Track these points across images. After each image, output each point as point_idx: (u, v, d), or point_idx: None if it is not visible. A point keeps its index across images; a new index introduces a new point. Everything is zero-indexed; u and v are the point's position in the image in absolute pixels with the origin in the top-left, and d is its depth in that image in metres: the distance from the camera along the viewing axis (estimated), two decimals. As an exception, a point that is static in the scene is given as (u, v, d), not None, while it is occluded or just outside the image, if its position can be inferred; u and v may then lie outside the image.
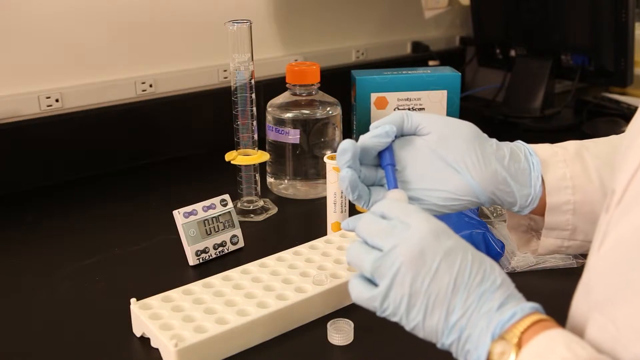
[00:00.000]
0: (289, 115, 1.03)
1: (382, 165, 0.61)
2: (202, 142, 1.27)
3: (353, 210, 0.98)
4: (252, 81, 0.93)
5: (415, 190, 0.61)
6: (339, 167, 0.61)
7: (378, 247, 0.51)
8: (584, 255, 0.74)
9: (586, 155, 0.63)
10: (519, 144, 0.64)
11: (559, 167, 0.62)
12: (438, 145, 0.61)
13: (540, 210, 0.63)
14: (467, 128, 0.62)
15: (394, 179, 0.60)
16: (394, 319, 0.51)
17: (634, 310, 0.40)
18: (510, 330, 0.46)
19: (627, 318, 0.40)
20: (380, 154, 0.62)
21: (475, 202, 0.62)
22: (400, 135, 0.63)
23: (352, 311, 0.74)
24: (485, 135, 0.63)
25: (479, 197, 0.61)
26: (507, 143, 0.64)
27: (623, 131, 0.57)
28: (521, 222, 0.68)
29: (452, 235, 0.50)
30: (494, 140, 0.63)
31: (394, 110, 1.12)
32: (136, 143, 1.20)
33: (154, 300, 0.70)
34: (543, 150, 0.64)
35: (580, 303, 0.47)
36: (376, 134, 0.61)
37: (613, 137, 0.67)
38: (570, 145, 0.65)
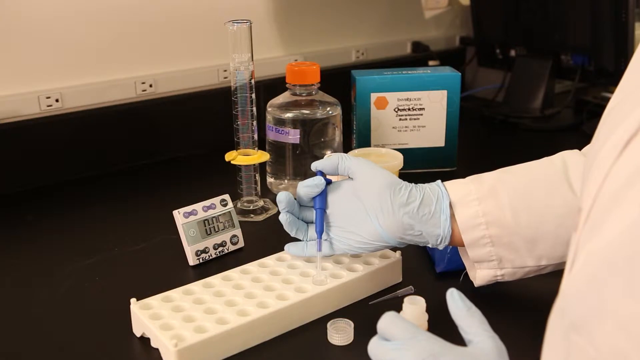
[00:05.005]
0: (289, 115, 1.03)
1: (314, 208, 0.74)
2: (202, 142, 1.27)
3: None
4: (252, 81, 0.93)
5: (335, 231, 0.73)
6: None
7: None
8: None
9: (500, 190, 0.68)
10: (435, 185, 0.70)
11: (471, 206, 0.68)
12: (358, 191, 0.71)
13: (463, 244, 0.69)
14: (383, 177, 0.69)
15: (320, 222, 0.73)
16: None
17: (610, 330, 0.38)
18: None
19: (604, 338, 0.39)
20: (313, 198, 0.74)
21: (386, 245, 0.71)
22: (337, 174, 0.73)
23: (352, 311, 0.74)
24: (403, 185, 0.69)
25: (387, 241, 0.70)
26: (424, 186, 0.70)
27: None
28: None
29: (447, 352, 0.50)
30: (411, 186, 0.69)
31: (394, 110, 1.12)
32: (136, 143, 1.20)
33: (154, 300, 0.70)
34: (457, 190, 0.69)
35: (556, 324, 0.46)
36: (307, 185, 0.73)
37: (534, 163, 0.71)
38: (487, 179, 0.70)
